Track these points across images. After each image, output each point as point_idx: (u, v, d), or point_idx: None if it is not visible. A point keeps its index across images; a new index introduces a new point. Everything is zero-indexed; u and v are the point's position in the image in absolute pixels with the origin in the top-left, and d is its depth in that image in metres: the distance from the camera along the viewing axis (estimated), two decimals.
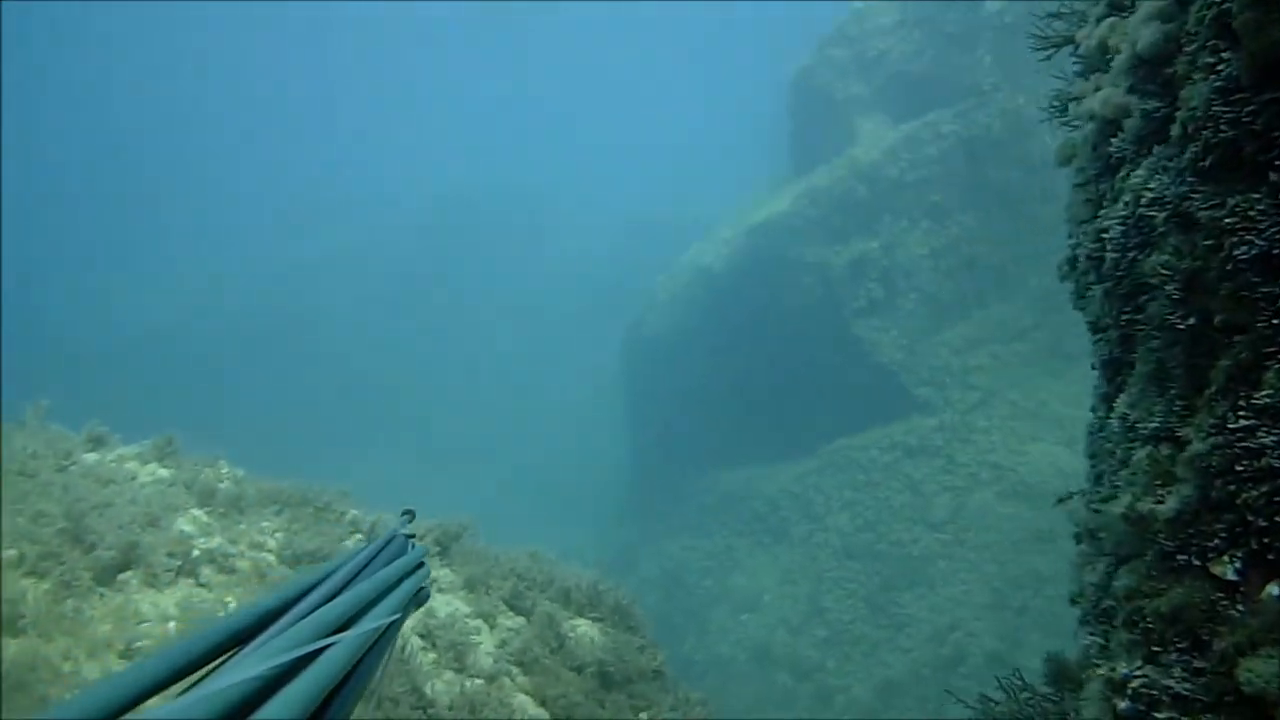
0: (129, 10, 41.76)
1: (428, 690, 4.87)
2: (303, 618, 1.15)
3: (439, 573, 5.81)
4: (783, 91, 22.02)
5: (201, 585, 5.01)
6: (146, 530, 4.88)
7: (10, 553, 4.58)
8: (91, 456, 5.44)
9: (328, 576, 1.31)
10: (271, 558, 5.34)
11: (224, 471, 5.80)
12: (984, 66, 18.13)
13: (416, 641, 5.30)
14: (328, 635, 1.10)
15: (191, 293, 34.00)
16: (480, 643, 5.45)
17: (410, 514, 1.83)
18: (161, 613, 4.73)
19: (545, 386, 28.98)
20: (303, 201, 37.32)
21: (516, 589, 5.79)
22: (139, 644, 4.51)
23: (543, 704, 5.31)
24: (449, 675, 5.16)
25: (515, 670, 5.34)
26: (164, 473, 5.52)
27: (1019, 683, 3.74)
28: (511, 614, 5.74)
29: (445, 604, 5.61)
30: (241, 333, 31.39)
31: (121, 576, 4.73)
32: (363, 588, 1.29)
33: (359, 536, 5.80)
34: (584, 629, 5.77)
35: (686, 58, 41.74)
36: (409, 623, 5.39)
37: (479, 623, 5.58)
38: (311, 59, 42.85)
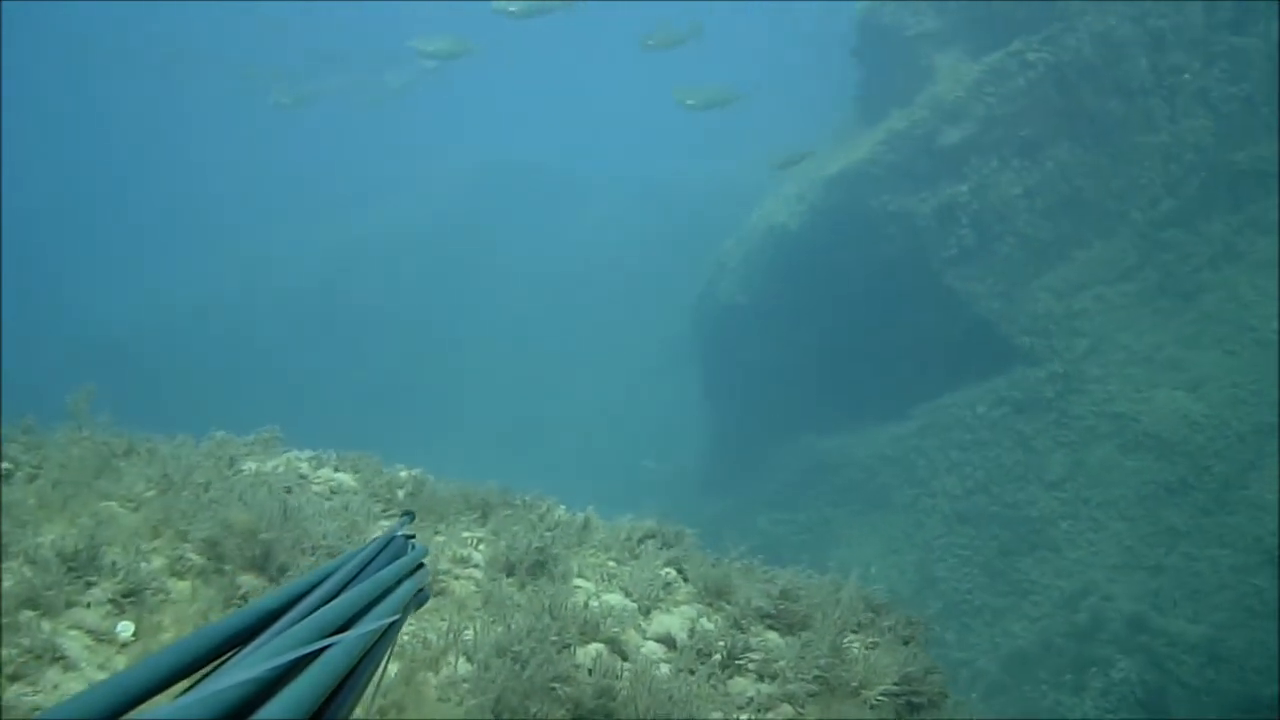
0: None
1: None
2: (302, 618, 1.14)
3: (673, 579, 4.74)
4: (839, 37, 20.80)
5: None
6: (347, 547, 3.83)
7: (183, 585, 3.54)
8: (255, 464, 4.40)
9: (327, 577, 1.30)
10: (479, 573, 4.28)
11: (404, 475, 4.74)
12: None
13: (665, 668, 4.26)
14: (327, 636, 1.08)
15: (232, 278, 33.03)
16: (742, 663, 4.40)
17: (410, 515, 1.80)
18: None
19: (603, 361, 27.90)
20: (347, 181, 36.23)
21: (767, 597, 4.72)
22: None
23: None
24: (719, 707, 4.12)
25: (793, 696, 4.29)
26: (344, 478, 4.46)
27: None
28: (766, 630, 4.68)
29: (687, 618, 4.55)
30: (285, 318, 30.39)
31: None
32: (362, 588, 1.27)
33: (572, 542, 4.73)
34: (856, 645, 4.70)
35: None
36: (637, 638, 4.37)
37: (731, 640, 4.52)
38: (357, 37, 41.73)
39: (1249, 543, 14.46)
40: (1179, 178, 16.64)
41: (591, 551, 4.73)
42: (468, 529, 4.46)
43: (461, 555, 4.30)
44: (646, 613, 4.49)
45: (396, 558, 1.48)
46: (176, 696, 0.89)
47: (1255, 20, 16.60)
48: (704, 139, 32.90)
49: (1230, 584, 14.29)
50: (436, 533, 4.37)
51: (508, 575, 4.28)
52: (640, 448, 23.66)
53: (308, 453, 4.72)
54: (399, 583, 1.39)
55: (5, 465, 3.62)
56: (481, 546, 4.41)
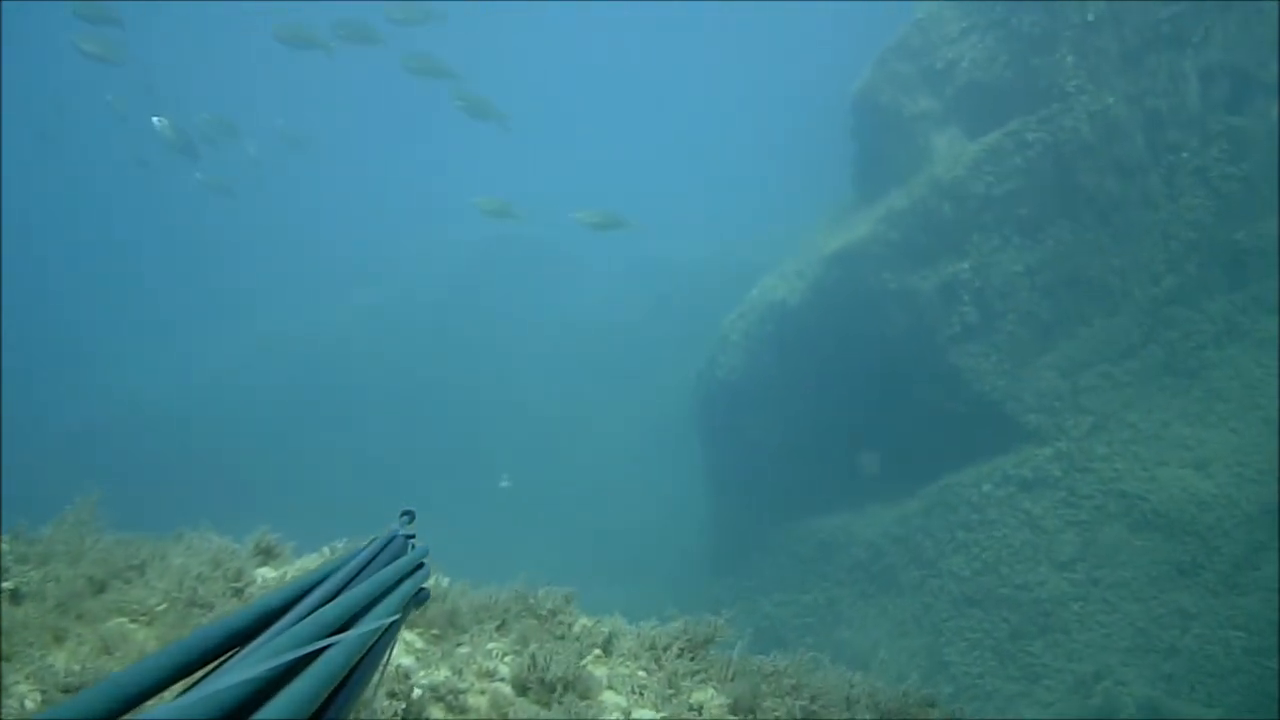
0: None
1: None
2: (302, 618, 1.15)
3: (706, 692, 4.51)
4: (831, 117, 21.04)
5: None
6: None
7: None
8: (265, 571, 4.19)
9: (327, 577, 1.31)
10: (507, 688, 4.06)
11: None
12: (1066, 67, 17.02)
13: None
14: (328, 636, 1.09)
15: (216, 366, 32.82)
16: None
17: (410, 514, 1.75)
18: None
19: (595, 439, 27.62)
20: (341, 259, 36.21)
21: (804, 712, 4.50)
22: None
23: None
24: None
25: None
26: None
27: None
28: None
29: None
30: (282, 399, 30.07)
31: None
32: (362, 588, 1.28)
33: (597, 652, 4.51)
34: None
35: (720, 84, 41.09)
36: None
37: None
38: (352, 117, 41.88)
39: (1261, 625, 14.19)
40: (1180, 255, 16.63)
41: (620, 660, 4.51)
42: (492, 639, 4.25)
43: (488, 669, 4.09)
44: None
45: (396, 558, 1.48)
46: (176, 696, 0.88)
47: (1253, 100, 16.73)
48: (702, 218, 33.15)
49: (1244, 667, 14.01)
50: (459, 644, 4.15)
51: (533, 690, 4.06)
52: (637, 525, 23.32)
53: (314, 558, 4.51)
54: (399, 582, 1.39)
55: (7, 585, 3.42)
56: (508, 659, 4.20)
